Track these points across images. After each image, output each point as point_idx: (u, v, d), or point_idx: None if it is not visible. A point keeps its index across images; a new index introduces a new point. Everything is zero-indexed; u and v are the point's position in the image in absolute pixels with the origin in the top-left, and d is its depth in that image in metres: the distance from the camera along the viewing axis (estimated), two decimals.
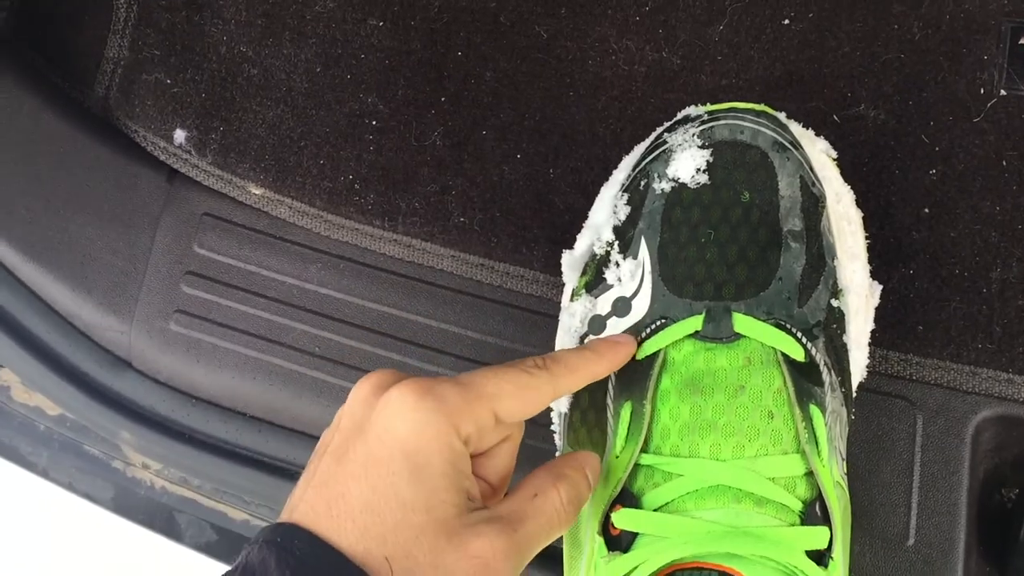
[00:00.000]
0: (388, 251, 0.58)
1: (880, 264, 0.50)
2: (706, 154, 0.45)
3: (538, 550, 0.38)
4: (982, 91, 0.54)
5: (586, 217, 0.50)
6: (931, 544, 0.50)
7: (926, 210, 0.53)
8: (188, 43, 0.63)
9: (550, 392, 0.39)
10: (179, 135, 0.62)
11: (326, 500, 0.35)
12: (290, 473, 0.59)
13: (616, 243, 0.47)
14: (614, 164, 0.52)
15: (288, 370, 0.59)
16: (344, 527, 0.34)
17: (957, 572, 0.50)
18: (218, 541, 0.64)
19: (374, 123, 0.60)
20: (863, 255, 0.48)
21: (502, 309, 0.57)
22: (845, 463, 0.45)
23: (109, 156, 0.62)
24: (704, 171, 0.45)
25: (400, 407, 0.36)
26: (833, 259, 0.46)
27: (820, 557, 0.40)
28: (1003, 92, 0.54)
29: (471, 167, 0.58)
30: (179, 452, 0.60)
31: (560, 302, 0.55)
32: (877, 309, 0.50)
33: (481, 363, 0.56)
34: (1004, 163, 0.53)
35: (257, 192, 0.60)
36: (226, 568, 0.65)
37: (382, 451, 0.35)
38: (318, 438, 0.58)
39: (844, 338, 0.46)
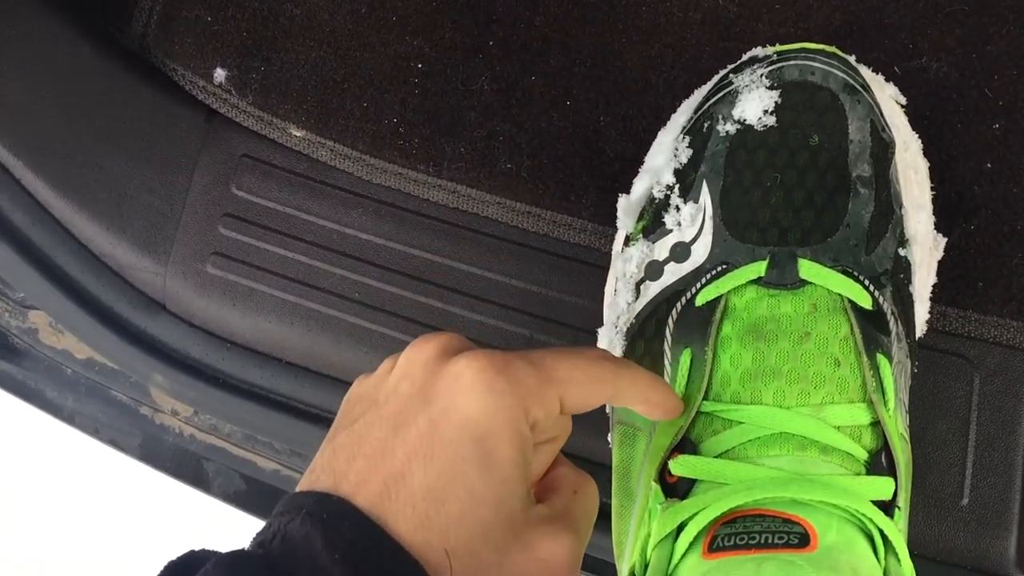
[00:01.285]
0: (432, 197, 0.57)
1: (941, 218, 0.49)
2: (774, 95, 0.44)
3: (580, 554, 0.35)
4: None
5: (636, 165, 0.49)
6: (986, 504, 0.49)
7: (988, 165, 0.52)
8: None
9: (612, 391, 0.36)
10: (219, 74, 0.60)
11: (382, 477, 0.31)
12: (326, 420, 0.58)
13: (676, 186, 0.46)
14: (666, 112, 0.51)
15: (327, 316, 0.57)
16: (402, 513, 0.31)
17: (1011, 532, 0.49)
18: (247, 491, 0.63)
19: (420, 66, 0.59)
20: (928, 206, 0.47)
21: (548, 258, 0.55)
22: (908, 416, 0.44)
23: (147, 94, 0.61)
24: (771, 113, 0.44)
25: (473, 384, 0.32)
26: (900, 208, 0.45)
27: (886, 508, 0.39)
28: None
29: (519, 113, 0.57)
30: (212, 396, 0.58)
31: (609, 252, 0.53)
32: (937, 264, 0.49)
33: (525, 313, 0.55)
34: None
35: (298, 134, 0.59)
36: (255, 521, 0.64)
37: (450, 430, 0.32)
38: None
39: (910, 288, 0.45)
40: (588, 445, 0.53)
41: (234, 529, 0.73)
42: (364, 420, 0.34)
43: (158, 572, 0.30)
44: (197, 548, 0.31)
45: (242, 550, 0.30)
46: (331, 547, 0.29)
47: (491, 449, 0.32)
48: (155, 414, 0.64)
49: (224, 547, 0.31)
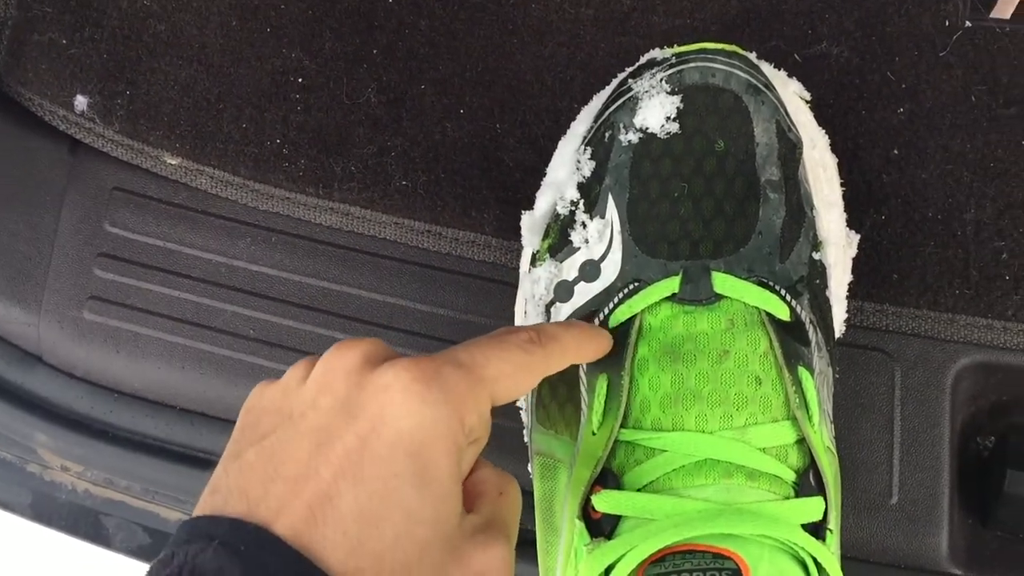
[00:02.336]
0: (324, 221, 0.54)
1: (852, 210, 0.47)
2: (676, 100, 0.42)
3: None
4: (947, 23, 0.51)
5: (538, 174, 0.47)
6: (915, 501, 0.48)
7: (895, 151, 0.51)
8: None
9: (543, 373, 0.34)
10: (80, 101, 0.55)
11: (306, 501, 0.28)
12: None
13: (581, 202, 0.43)
14: (565, 115, 0.49)
15: (220, 356, 0.54)
16: (331, 539, 0.28)
17: (942, 527, 0.48)
18: (152, 544, 0.59)
19: (300, 80, 0.55)
20: (840, 203, 0.46)
21: (452, 278, 0.52)
22: (832, 426, 0.42)
23: (2, 128, 0.56)
24: (674, 119, 0.42)
25: (404, 396, 0.30)
26: (811, 209, 0.43)
27: (816, 529, 0.38)
28: (968, 23, 0.51)
29: (410, 125, 0.54)
30: (102, 453, 0.54)
31: (516, 268, 0.51)
32: (851, 261, 0.47)
33: (432, 338, 0.52)
34: (973, 99, 0.51)
35: (173, 162, 0.55)
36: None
37: (381, 446, 0.29)
38: None
39: (827, 293, 0.43)
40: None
41: None
42: (277, 436, 0.30)
43: None
44: None
45: None
46: None
47: (427, 464, 0.29)
48: (44, 471, 0.59)
49: None
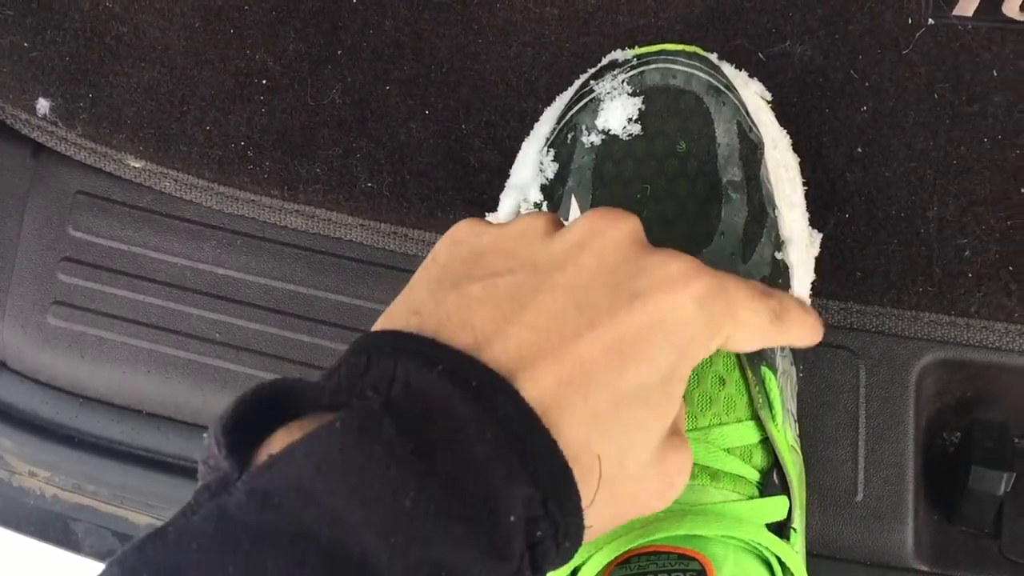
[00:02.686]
0: (289, 223, 0.53)
1: (815, 208, 0.47)
2: (637, 102, 0.42)
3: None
4: (910, 21, 0.52)
5: (504, 175, 0.47)
6: (880, 498, 0.48)
7: (859, 149, 0.51)
8: (45, 0, 0.56)
9: (776, 338, 0.33)
10: (42, 105, 0.55)
11: (565, 365, 0.26)
12: (196, 472, 0.54)
13: (544, 203, 0.43)
14: (531, 116, 0.48)
15: (186, 360, 0.53)
16: (580, 418, 0.26)
17: (907, 524, 0.48)
18: (121, 548, 0.59)
19: (264, 82, 0.54)
20: (802, 203, 0.46)
21: None
22: (797, 425, 0.43)
23: None
24: (636, 120, 0.42)
25: (694, 303, 0.28)
26: (774, 209, 0.43)
27: (780, 528, 0.38)
28: (931, 21, 0.51)
29: (375, 126, 0.53)
30: (69, 458, 0.54)
31: None
32: (815, 260, 0.48)
33: None
34: (935, 96, 0.51)
35: (137, 165, 0.54)
36: None
37: (657, 346, 0.28)
38: None
39: (790, 292, 0.43)
40: None
41: None
42: (517, 280, 0.28)
43: (243, 395, 0.25)
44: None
45: (367, 408, 0.24)
46: (482, 424, 0.24)
47: (681, 376, 0.29)
48: (12, 476, 0.59)
49: None
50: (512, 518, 0.24)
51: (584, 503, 0.27)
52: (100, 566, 0.62)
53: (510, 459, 0.25)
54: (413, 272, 0.52)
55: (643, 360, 0.28)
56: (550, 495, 0.25)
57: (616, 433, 0.27)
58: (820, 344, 0.49)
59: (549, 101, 0.48)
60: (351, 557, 0.22)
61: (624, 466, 0.28)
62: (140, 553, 0.23)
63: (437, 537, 0.23)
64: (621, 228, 0.30)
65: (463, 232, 0.32)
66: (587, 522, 0.27)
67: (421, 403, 0.25)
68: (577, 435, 0.27)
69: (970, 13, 0.51)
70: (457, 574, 0.23)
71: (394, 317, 0.29)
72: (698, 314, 0.29)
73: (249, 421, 0.25)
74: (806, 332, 0.35)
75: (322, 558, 0.22)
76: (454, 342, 0.26)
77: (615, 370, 0.27)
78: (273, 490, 0.23)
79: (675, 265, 0.29)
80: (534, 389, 0.26)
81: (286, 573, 0.22)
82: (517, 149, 0.47)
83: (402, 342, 0.26)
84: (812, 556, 0.48)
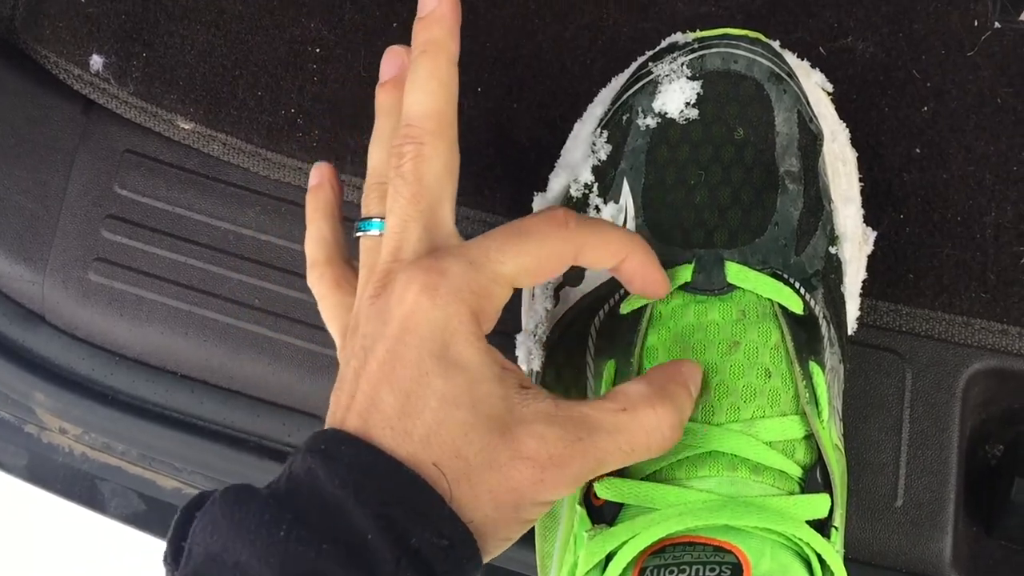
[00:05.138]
0: None
1: (870, 208, 0.47)
2: (696, 86, 0.41)
3: (609, 469, 0.33)
4: (975, 23, 0.51)
5: (554, 155, 0.46)
6: (920, 505, 0.47)
7: (917, 150, 0.50)
8: None
9: (571, 260, 0.35)
10: (96, 61, 0.55)
11: (358, 412, 0.32)
12: (226, 437, 0.54)
13: (596, 185, 0.42)
14: (583, 98, 0.48)
15: (224, 324, 0.53)
16: (383, 434, 0.31)
17: (947, 533, 0.47)
18: (146, 512, 0.59)
19: (318, 51, 0.54)
20: (858, 198, 0.45)
21: None
22: (842, 423, 0.42)
23: (16, 85, 0.55)
24: (694, 105, 0.41)
25: (416, 304, 0.32)
26: (830, 203, 0.43)
27: (821, 526, 0.37)
28: (997, 24, 0.50)
29: None
30: (101, 415, 0.54)
31: None
32: (867, 259, 0.47)
33: None
34: (998, 100, 0.50)
35: (186, 127, 0.54)
36: (155, 542, 0.60)
37: (408, 353, 0.32)
38: (257, 399, 0.54)
39: (841, 289, 0.43)
40: None
41: (133, 550, 0.68)
42: (342, 354, 0.36)
43: (176, 515, 0.32)
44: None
45: (243, 484, 0.31)
46: (332, 474, 0.30)
47: (452, 357, 0.32)
48: (42, 432, 0.59)
49: (122, 568, 0.30)
50: (370, 536, 0.29)
51: (447, 501, 0.31)
52: (124, 528, 0.62)
53: (356, 490, 0.29)
54: None
55: (406, 374, 0.32)
56: (408, 506, 0.30)
57: (432, 436, 0.31)
58: (867, 346, 0.49)
59: (603, 84, 0.47)
60: None
61: (464, 458, 0.31)
62: None
63: (309, 554, 0.28)
64: (378, 267, 0.35)
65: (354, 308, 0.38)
66: (465, 517, 0.31)
67: (293, 479, 0.31)
68: (402, 454, 0.31)
69: None
70: None
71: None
72: (430, 310, 0.32)
73: (183, 534, 0.31)
74: (607, 250, 0.36)
75: None
76: (332, 424, 0.33)
77: (392, 394, 0.32)
78: (197, 566, 0.29)
79: (400, 280, 0.33)
80: (358, 433, 0.32)
81: None
82: (569, 130, 0.47)
83: (300, 446, 0.33)
84: (847, 560, 0.47)
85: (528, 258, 0.34)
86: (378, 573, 0.29)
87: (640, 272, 0.37)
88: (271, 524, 0.29)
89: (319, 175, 0.43)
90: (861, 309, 0.46)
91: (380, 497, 0.30)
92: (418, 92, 0.36)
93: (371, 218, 0.38)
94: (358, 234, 0.38)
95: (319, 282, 0.41)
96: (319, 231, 0.42)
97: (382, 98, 0.40)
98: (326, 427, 0.33)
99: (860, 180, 0.46)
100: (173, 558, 0.31)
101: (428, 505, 0.30)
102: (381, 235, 0.37)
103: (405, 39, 0.53)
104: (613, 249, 0.36)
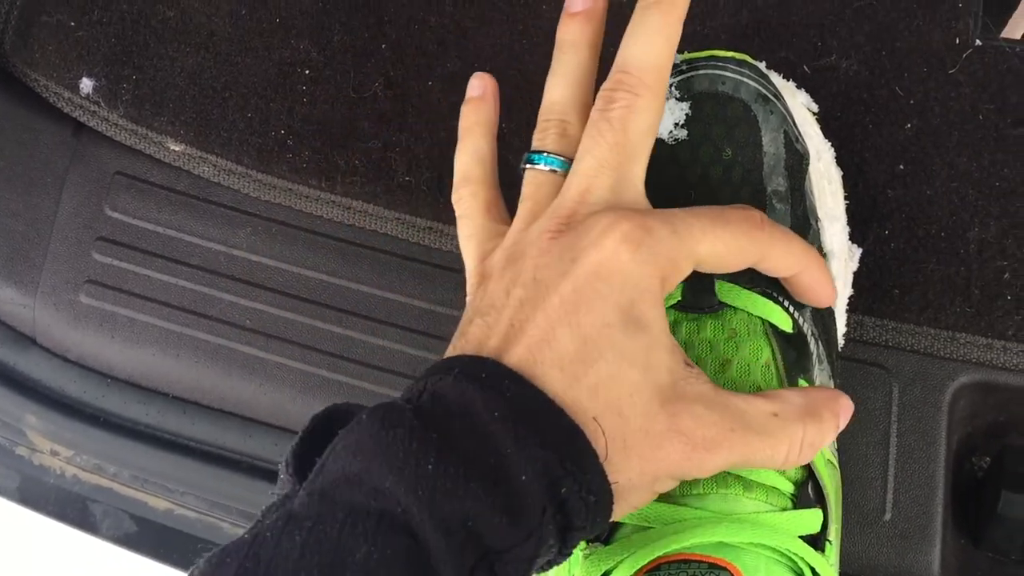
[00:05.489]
0: (325, 213, 0.53)
1: (855, 224, 0.47)
2: (685, 107, 0.41)
3: (749, 467, 0.34)
4: (957, 41, 0.51)
5: None
6: (908, 518, 0.48)
7: (901, 166, 0.51)
8: None
9: (756, 260, 0.35)
10: (86, 84, 0.55)
11: (526, 344, 0.31)
12: (219, 458, 0.54)
13: None
14: None
15: (215, 345, 0.53)
16: (551, 375, 0.30)
17: (935, 546, 0.48)
18: (138, 532, 0.59)
19: (307, 72, 0.54)
20: (843, 217, 0.46)
21: (453, 276, 0.52)
22: (834, 439, 0.42)
23: (6, 108, 0.55)
24: (682, 126, 0.41)
25: (615, 252, 0.31)
26: (816, 221, 0.43)
27: (815, 541, 0.38)
28: (978, 42, 0.51)
29: (416, 121, 0.53)
30: (93, 437, 0.54)
31: None
32: (852, 275, 0.47)
33: (430, 335, 0.52)
34: (980, 117, 0.50)
35: (176, 148, 0.55)
36: (148, 563, 0.59)
37: (594, 299, 0.31)
38: (249, 420, 0.54)
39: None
40: None
41: (126, 571, 0.68)
42: (494, 285, 0.33)
43: (305, 424, 0.31)
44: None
45: (392, 402, 0.30)
46: (490, 404, 0.29)
47: (637, 316, 0.31)
48: (33, 454, 0.59)
49: None
50: (524, 478, 0.28)
51: (600, 458, 0.30)
52: (116, 549, 0.61)
53: (517, 428, 0.28)
54: (447, 269, 0.52)
55: (590, 322, 0.31)
56: (565, 455, 0.29)
57: (600, 387, 0.31)
58: (854, 360, 0.49)
59: None
60: (395, 515, 0.27)
61: (625, 418, 0.31)
62: (222, 552, 0.27)
63: (458, 491, 0.27)
64: (564, 196, 0.35)
65: (506, 237, 0.36)
66: (612, 477, 0.30)
67: (441, 401, 0.29)
68: (567, 399, 0.30)
69: (1018, 35, 0.51)
70: (480, 523, 0.27)
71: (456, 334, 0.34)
72: (629, 263, 0.31)
73: (312, 445, 0.30)
74: (787, 261, 0.36)
75: (374, 520, 0.26)
76: (469, 351, 0.32)
77: (570, 336, 0.31)
78: (327, 485, 0.28)
79: (603, 222, 0.32)
80: (519, 370, 0.30)
81: (344, 539, 0.26)
82: None
83: (436, 366, 0.31)
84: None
85: (722, 246, 0.33)
86: (524, 518, 0.28)
87: (812, 286, 0.37)
88: (420, 453, 0.28)
89: (481, 87, 0.41)
90: (847, 325, 0.47)
91: (539, 439, 0.29)
92: (644, 43, 0.36)
93: (545, 152, 0.37)
94: (526, 166, 0.38)
95: (471, 199, 0.39)
96: (477, 147, 0.40)
97: (569, 29, 0.39)
98: (471, 352, 0.31)
99: (845, 198, 0.46)
100: (298, 468, 0.30)
101: (584, 458, 0.29)
102: (553, 172, 0.37)
103: (394, 60, 0.54)
104: (793, 261, 0.36)
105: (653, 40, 0.35)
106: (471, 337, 0.32)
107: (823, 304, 0.39)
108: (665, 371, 0.32)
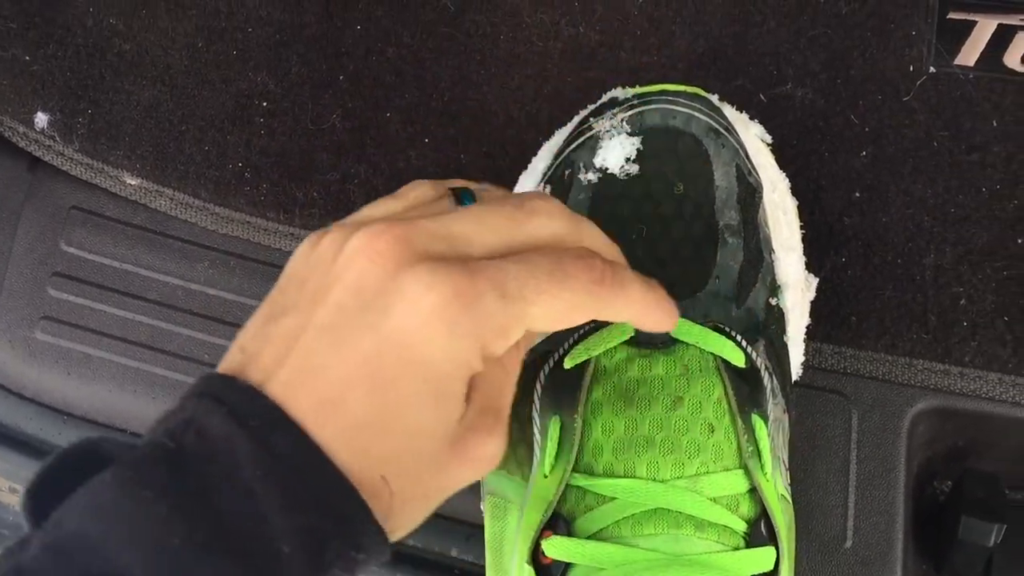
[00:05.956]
0: (284, 246, 0.53)
1: (812, 252, 0.47)
2: (636, 141, 0.42)
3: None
4: (911, 68, 0.52)
5: None
6: (869, 545, 0.48)
7: (857, 194, 0.51)
8: (49, 14, 0.56)
9: (595, 316, 0.32)
10: (41, 119, 0.55)
11: (315, 397, 0.27)
12: None
13: None
14: (530, 148, 0.48)
15: (174, 381, 0.53)
16: (336, 440, 0.27)
17: (896, 572, 0.48)
18: None
19: (264, 104, 0.54)
20: (799, 247, 0.46)
21: None
22: (788, 472, 0.42)
23: None
24: (634, 160, 0.41)
25: (430, 320, 0.28)
26: (771, 253, 0.43)
27: None
28: (932, 69, 0.52)
29: (374, 153, 0.53)
30: None
31: None
32: (810, 304, 0.47)
33: None
34: (935, 144, 0.51)
35: (133, 182, 0.54)
36: None
37: (399, 366, 0.28)
38: None
39: (784, 338, 0.43)
40: (465, 507, 0.50)
41: None
42: (292, 318, 0.29)
43: (49, 459, 0.28)
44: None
45: (148, 450, 0.26)
46: (256, 460, 0.26)
47: (443, 391, 0.29)
48: None
49: None
50: (287, 549, 0.26)
51: (380, 516, 0.28)
52: None
53: (285, 493, 0.26)
54: None
55: (389, 390, 0.28)
56: (337, 518, 0.27)
57: (390, 459, 0.29)
58: (813, 388, 0.49)
59: (549, 134, 0.48)
60: None
61: (418, 478, 0.29)
62: None
63: (205, 572, 0.25)
64: (382, 247, 0.29)
65: (301, 252, 0.32)
66: (392, 523, 0.29)
67: (206, 442, 0.26)
68: (352, 465, 0.28)
69: (972, 63, 0.51)
70: None
71: (230, 352, 0.30)
72: (447, 337, 0.28)
73: (57, 482, 0.27)
74: (651, 314, 0.34)
75: None
76: (251, 379, 0.28)
77: (364, 405, 0.28)
78: (62, 540, 0.25)
79: (423, 281, 0.28)
80: (303, 424, 0.27)
81: None
82: (515, 180, 0.47)
83: (209, 383, 0.28)
84: None
85: (559, 305, 0.30)
86: None
87: (651, 328, 0.35)
88: (169, 523, 0.25)
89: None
90: (806, 353, 0.47)
91: (311, 503, 0.27)
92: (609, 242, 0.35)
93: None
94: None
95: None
96: None
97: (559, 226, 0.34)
98: (252, 375, 0.28)
99: (801, 227, 0.46)
100: (34, 509, 0.27)
101: (358, 520, 0.28)
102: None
103: (352, 92, 0.54)
104: (634, 310, 0.33)
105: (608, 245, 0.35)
106: (255, 353, 0.29)
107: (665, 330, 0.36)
108: (456, 423, 0.30)
